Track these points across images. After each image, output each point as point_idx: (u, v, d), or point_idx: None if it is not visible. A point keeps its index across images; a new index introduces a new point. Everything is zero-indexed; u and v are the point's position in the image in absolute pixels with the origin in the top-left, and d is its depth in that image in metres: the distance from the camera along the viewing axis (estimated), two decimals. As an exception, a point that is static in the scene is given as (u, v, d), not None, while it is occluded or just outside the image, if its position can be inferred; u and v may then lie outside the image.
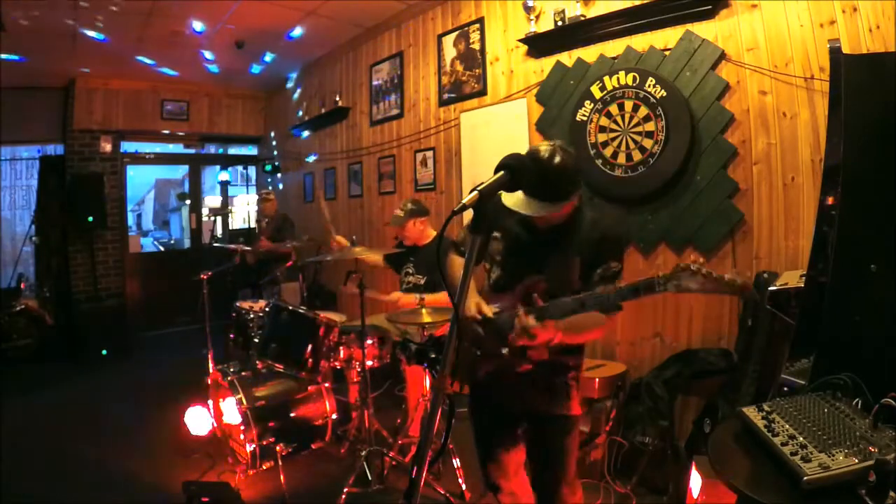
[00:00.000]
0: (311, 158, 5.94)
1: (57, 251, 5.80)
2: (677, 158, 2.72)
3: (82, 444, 3.28)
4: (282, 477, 2.60)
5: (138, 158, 6.83)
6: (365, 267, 3.40)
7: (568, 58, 3.27)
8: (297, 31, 4.84)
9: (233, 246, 4.70)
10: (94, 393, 4.39)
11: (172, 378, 4.41)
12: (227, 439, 2.92)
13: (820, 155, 2.30)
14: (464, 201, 0.98)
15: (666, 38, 2.83)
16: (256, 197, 6.83)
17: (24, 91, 5.56)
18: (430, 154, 4.31)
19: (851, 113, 1.48)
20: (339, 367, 3.06)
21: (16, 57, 4.82)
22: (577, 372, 1.70)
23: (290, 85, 6.36)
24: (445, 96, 4.15)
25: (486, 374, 1.64)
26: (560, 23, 3.21)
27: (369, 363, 2.84)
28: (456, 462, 2.63)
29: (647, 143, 2.82)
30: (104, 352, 5.31)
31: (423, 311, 2.44)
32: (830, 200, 1.60)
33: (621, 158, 2.92)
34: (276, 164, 6.64)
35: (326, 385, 2.95)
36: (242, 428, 2.63)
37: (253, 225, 7.51)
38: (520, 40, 3.48)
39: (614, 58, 3.03)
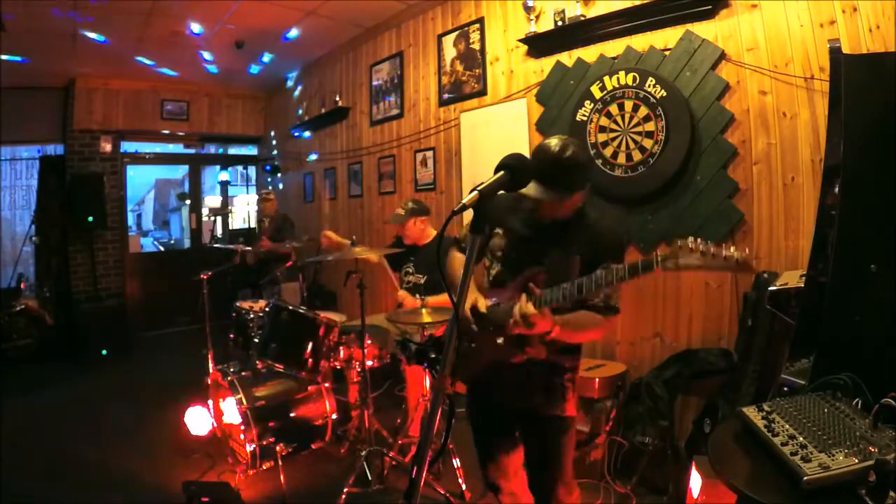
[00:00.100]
0: (312, 157, 5.94)
1: (57, 251, 5.80)
2: (677, 158, 2.72)
3: (82, 444, 3.28)
4: (282, 477, 2.60)
5: (138, 158, 6.83)
6: (367, 267, 3.40)
7: (568, 58, 3.27)
8: (294, 33, 4.84)
9: (232, 246, 4.70)
10: (94, 393, 4.38)
11: (172, 378, 4.40)
12: (227, 439, 2.92)
13: (820, 155, 2.30)
14: (464, 201, 0.98)
15: (666, 38, 2.83)
16: (256, 197, 6.83)
17: (24, 91, 5.56)
18: (430, 154, 4.31)
19: (851, 113, 1.48)
20: (339, 367, 3.06)
21: (18, 58, 4.83)
22: (574, 373, 1.70)
23: (290, 85, 6.36)
24: (445, 96, 4.15)
25: (483, 374, 1.64)
26: (560, 23, 3.21)
27: (369, 363, 2.84)
28: (456, 462, 2.63)
29: (647, 143, 2.82)
30: (104, 352, 5.31)
31: (423, 311, 2.45)
32: (830, 200, 1.60)
33: (621, 158, 2.92)
34: (276, 164, 6.65)
35: (326, 385, 2.95)
36: (242, 428, 2.63)
37: (253, 225, 7.51)
38: (520, 40, 3.48)
39: (614, 58, 3.03)
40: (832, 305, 1.45)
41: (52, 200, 5.79)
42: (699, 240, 1.20)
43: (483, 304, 1.58)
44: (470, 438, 1.85)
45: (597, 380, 2.65)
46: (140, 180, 9.76)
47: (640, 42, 2.93)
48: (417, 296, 2.64)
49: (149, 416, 3.70)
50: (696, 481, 1.94)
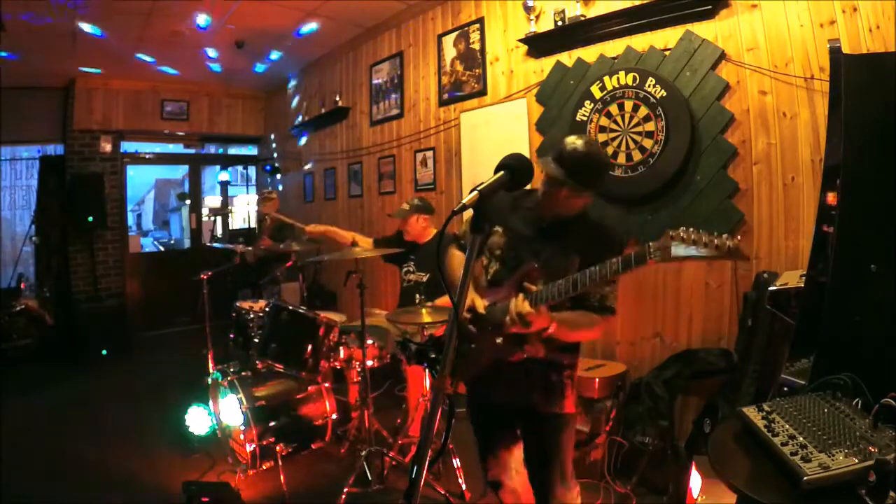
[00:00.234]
0: (309, 166, 5.95)
1: (57, 251, 5.80)
2: (677, 158, 2.72)
3: (82, 444, 3.28)
4: (282, 477, 2.60)
5: (138, 158, 6.82)
6: (367, 267, 3.42)
7: (568, 58, 3.27)
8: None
9: (232, 246, 4.70)
10: (94, 393, 4.38)
11: (172, 378, 4.40)
12: (227, 439, 2.92)
13: (820, 155, 2.30)
14: (464, 201, 0.98)
15: (666, 38, 2.83)
16: (256, 197, 6.82)
17: (24, 91, 5.56)
18: (430, 154, 4.31)
19: (851, 113, 1.48)
20: (339, 367, 3.06)
21: (12, 55, 4.82)
22: (573, 371, 1.71)
23: (290, 85, 6.36)
24: (445, 96, 4.15)
25: (483, 372, 1.64)
26: (560, 23, 3.21)
27: (369, 363, 2.84)
28: (456, 462, 2.63)
29: (647, 143, 2.82)
30: (104, 352, 5.31)
31: (423, 311, 2.45)
32: (830, 200, 1.60)
33: (621, 158, 2.92)
34: (276, 164, 6.64)
35: (326, 385, 2.94)
36: (242, 428, 2.63)
37: (253, 225, 7.51)
38: (520, 40, 3.48)
39: (614, 58, 3.03)
40: (832, 305, 1.45)
41: (52, 200, 5.79)
42: (691, 229, 1.20)
43: (481, 305, 1.59)
44: (470, 438, 1.85)
45: (597, 380, 2.65)
46: (140, 180, 9.76)
47: (640, 42, 2.93)
48: (417, 295, 2.64)
49: (149, 416, 3.70)
50: (696, 481, 1.94)
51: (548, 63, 3.38)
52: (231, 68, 5.85)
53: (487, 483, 1.86)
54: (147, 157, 6.99)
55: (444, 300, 2.72)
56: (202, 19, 4.48)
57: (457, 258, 1.85)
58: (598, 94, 3.00)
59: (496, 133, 3.74)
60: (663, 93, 2.74)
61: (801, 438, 1.10)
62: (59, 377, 4.82)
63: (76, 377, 4.82)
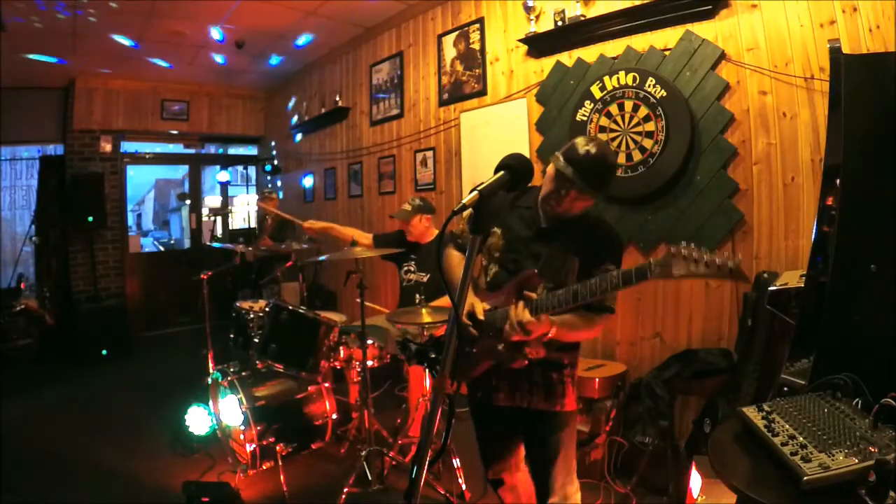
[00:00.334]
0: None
1: (57, 251, 5.80)
2: (677, 158, 2.72)
3: (82, 445, 3.29)
4: (282, 477, 2.60)
5: (138, 158, 6.82)
6: (367, 267, 3.41)
7: (568, 58, 3.27)
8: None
9: (232, 246, 4.70)
10: (94, 393, 4.39)
11: (172, 378, 4.40)
12: (227, 439, 2.92)
13: (820, 155, 2.30)
14: (464, 201, 0.98)
15: (666, 38, 2.83)
16: (256, 197, 6.82)
17: (24, 91, 5.56)
18: (430, 154, 4.31)
19: (851, 113, 1.48)
20: (339, 367, 3.06)
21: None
22: (573, 369, 1.72)
23: (289, 85, 6.36)
24: (445, 96, 4.15)
25: (483, 373, 1.65)
26: (560, 23, 3.20)
27: (369, 363, 2.84)
28: (456, 462, 2.63)
29: (647, 143, 2.82)
30: (104, 352, 5.31)
31: (423, 311, 2.45)
32: (830, 200, 1.60)
33: (621, 158, 2.92)
34: (276, 164, 6.64)
35: (326, 385, 2.94)
36: (242, 428, 2.63)
37: (253, 225, 7.51)
38: (520, 40, 3.48)
39: (614, 58, 3.03)
40: (832, 305, 1.45)
41: (52, 200, 5.79)
42: (692, 245, 1.21)
43: (480, 310, 1.58)
44: (470, 438, 1.85)
45: (597, 380, 2.65)
46: (140, 180, 9.76)
47: (640, 42, 2.93)
48: (417, 295, 2.64)
49: (149, 416, 3.71)
50: (696, 481, 1.94)
51: (548, 63, 3.38)
52: (231, 68, 5.84)
53: (488, 481, 1.87)
54: (147, 157, 6.99)
55: (443, 300, 2.72)
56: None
57: (455, 258, 1.85)
58: (598, 94, 3.00)
59: (496, 133, 3.74)
60: (663, 93, 2.74)
61: (801, 438, 1.10)
62: (59, 377, 4.83)
63: (76, 377, 4.82)
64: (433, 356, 1.10)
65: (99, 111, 5.94)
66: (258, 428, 2.62)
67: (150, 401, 4.00)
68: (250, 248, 4.60)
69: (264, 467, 2.67)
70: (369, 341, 2.84)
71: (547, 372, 1.65)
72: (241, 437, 2.65)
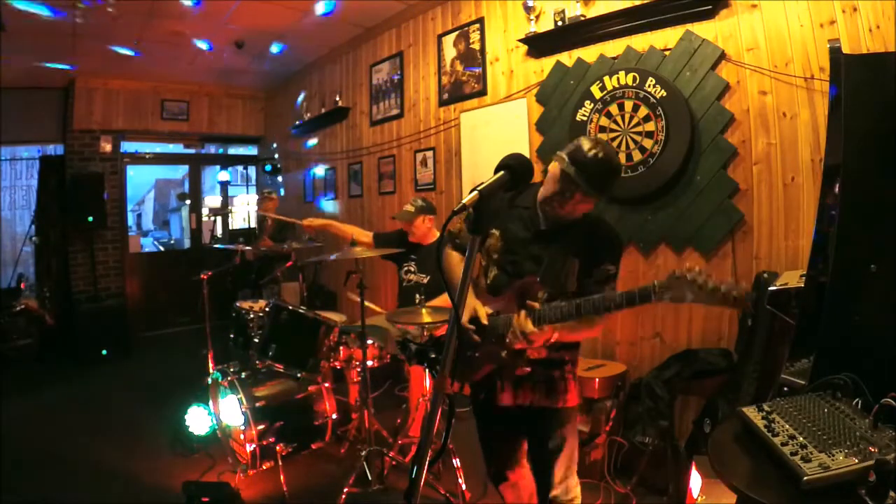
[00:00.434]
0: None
1: (57, 251, 5.80)
2: (677, 158, 2.72)
3: (82, 444, 3.29)
4: (282, 477, 2.60)
5: (138, 158, 6.82)
6: (367, 267, 3.41)
7: (568, 58, 3.27)
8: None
9: (233, 246, 4.70)
10: (94, 393, 4.39)
11: (172, 378, 4.40)
12: (227, 439, 2.92)
13: (820, 155, 2.30)
14: (464, 201, 0.98)
15: (666, 38, 2.83)
16: (256, 197, 6.81)
17: (24, 91, 5.56)
18: (430, 154, 4.31)
19: (851, 113, 1.48)
20: (339, 367, 3.06)
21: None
22: (574, 365, 1.73)
23: (289, 85, 6.35)
24: (445, 96, 4.15)
25: (485, 374, 1.65)
26: (560, 23, 3.20)
27: (369, 363, 2.84)
28: (456, 462, 2.62)
29: (647, 143, 2.82)
30: (104, 352, 5.31)
31: (423, 311, 2.45)
32: (830, 200, 1.60)
33: (621, 158, 2.91)
34: (277, 164, 6.64)
35: (326, 385, 2.94)
36: (242, 428, 2.63)
37: (253, 225, 7.51)
38: (520, 40, 3.48)
39: (614, 58, 3.03)
40: (832, 305, 1.45)
41: (52, 200, 5.79)
42: (697, 270, 1.22)
43: (484, 314, 1.58)
44: (470, 438, 1.85)
45: (597, 380, 2.65)
46: (140, 180, 9.76)
47: (640, 42, 2.93)
48: (417, 296, 2.64)
49: (149, 416, 3.71)
50: (696, 481, 1.94)
51: (548, 63, 3.38)
52: (231, 68, 5.84)
53: (489, 477, 1.87)
54: (147, 157, 6.98)
55: (442, 299, 2.71)
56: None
57: (454, 258, 1.85)
58: (598, 94, 3.00)
59: (496, 133, 3.74)
60: (663, 93, 2.74)
61: (801, 438, 1.10)
62: (59, 377, 4.83)
63: (76, 377, 4.82)
64: (433, 356, 1.10)
65: (99, 111, 5.94)
66: (258, 428, 2.62)
67: (150, 401, 4.00)
68: (249, 248, 4.60)
69: (264, 467, 2.67)
70: (369, 341, 2.84)
71: (548, 370, 1.66)
72: (241, 437, 2.65)
